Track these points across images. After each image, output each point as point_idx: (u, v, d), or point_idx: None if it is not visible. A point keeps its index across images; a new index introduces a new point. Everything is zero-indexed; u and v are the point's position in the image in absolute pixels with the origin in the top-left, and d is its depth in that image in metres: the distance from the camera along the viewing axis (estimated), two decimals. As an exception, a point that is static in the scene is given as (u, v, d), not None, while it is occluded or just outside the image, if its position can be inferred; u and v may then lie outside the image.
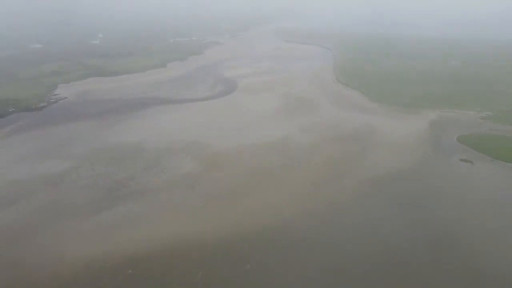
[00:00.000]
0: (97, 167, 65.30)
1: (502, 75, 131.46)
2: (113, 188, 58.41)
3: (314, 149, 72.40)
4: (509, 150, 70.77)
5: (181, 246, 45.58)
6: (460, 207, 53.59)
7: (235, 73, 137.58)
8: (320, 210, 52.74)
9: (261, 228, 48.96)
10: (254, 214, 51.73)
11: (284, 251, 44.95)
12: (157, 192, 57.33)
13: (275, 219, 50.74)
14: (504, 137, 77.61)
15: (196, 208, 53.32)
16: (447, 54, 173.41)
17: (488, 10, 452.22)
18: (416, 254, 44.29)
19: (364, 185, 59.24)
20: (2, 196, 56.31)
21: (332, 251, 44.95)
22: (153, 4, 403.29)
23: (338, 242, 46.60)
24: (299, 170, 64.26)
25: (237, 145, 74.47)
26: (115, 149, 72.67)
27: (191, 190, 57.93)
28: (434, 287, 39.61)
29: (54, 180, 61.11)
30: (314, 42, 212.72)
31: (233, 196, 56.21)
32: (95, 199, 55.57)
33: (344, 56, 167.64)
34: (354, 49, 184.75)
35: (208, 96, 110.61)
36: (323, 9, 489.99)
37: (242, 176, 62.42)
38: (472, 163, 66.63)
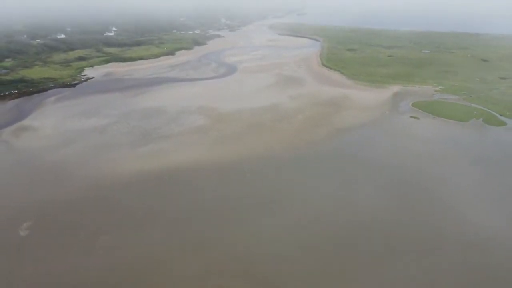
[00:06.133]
0: (131, 122, 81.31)
1: (460, 60, 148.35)
2: (145, 134, 74.57)
3: (298, 110, 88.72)
4: (448, 110, 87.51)
5: (199, 166, 61.75)
6: (400, 142, 70.77)
7: (235, 59, 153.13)
8: (300, 145, 69.26)
9: (256, 156, 65.25)
10: (251, 148, 68.08)
11: (273, 167, 61.38)
12: (179, 136, 73.64)
13: (267, 151, 67.11)
14: (448, 103, 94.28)
15: (208, 144, 69.69)
16: (421, 44, 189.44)
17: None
18: (364, 166, 60.96)
19: (334, 131, 75.87)
20: (64, 139, 72.37)
21: (308, 168, 61.39)
22: (157, 1, 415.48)
23: (312, 162, 63.10)
24: (286, 123, 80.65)
25: (238, 108, 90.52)
26: (141, 111, 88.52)
27: (204, 135, 74.28)
28: (370, 183, 56.25)
29: (99, 129, 77.15)
30: (306, 35, 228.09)
31: (236, 138, 72.57)
32: (133, 140, 71.72)
33: (330, 46, 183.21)
34: (340, 40, 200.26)
35: (212, 76, 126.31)
36: (318, 7, 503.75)
37: (242, 127, 78.67)
38: (418, 119, 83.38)
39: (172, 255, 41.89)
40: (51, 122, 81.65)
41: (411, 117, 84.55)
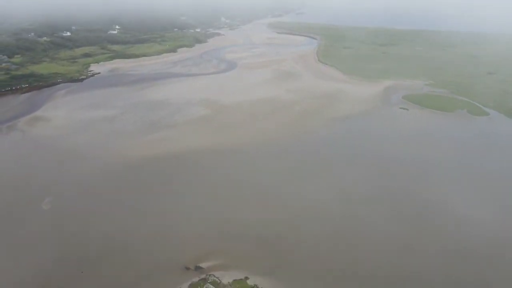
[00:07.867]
0: (137, 113, 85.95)
1: (451, 56, 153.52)
2: (152, 123, 79.28)
3: (295, 102, 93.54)
4: (436, 102, 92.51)
5: (202, 150, 66.40)
6: (389, 129, 75.93)
7: (235, 56, 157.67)
8: (296, 133, 74.15)
9: (255, 142, 70.00)
10: (250, 136, 72.85)
11: (270, 151, 66.20)
12: (183, 125, 78.39)
13: (265, 138, 71.90)
14: (436, 95, 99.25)
15: (210, 132, 74.48)
16: (415, 42, 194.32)
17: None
18: (355, 148, 65.92)
19: (329, 121, 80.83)
20: (76, 127, 77.00)
21: (303, 151, 66.21)
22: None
23: (307, 146, 67.98)
24: (283, 114, 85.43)
25: (238, 100, 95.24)
26: (147, 103, 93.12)
27: (206, 124, 79.09)
28: (358, 160, 61.21)
29: (109, 119, 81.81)
30: (303, 33, 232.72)
31: (236, 127, 77.37)
32: (141, 128, 76.45)
33: (327, 44, 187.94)
34: (336, 38, 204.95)
35: (214, 71, 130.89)
36: (316, 6, 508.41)
37: (242, 117, 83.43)
38: (407, 110, 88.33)
39: (180, 217, 46.99)
40: (62, 113, 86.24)
41: (401, 108, 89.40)
